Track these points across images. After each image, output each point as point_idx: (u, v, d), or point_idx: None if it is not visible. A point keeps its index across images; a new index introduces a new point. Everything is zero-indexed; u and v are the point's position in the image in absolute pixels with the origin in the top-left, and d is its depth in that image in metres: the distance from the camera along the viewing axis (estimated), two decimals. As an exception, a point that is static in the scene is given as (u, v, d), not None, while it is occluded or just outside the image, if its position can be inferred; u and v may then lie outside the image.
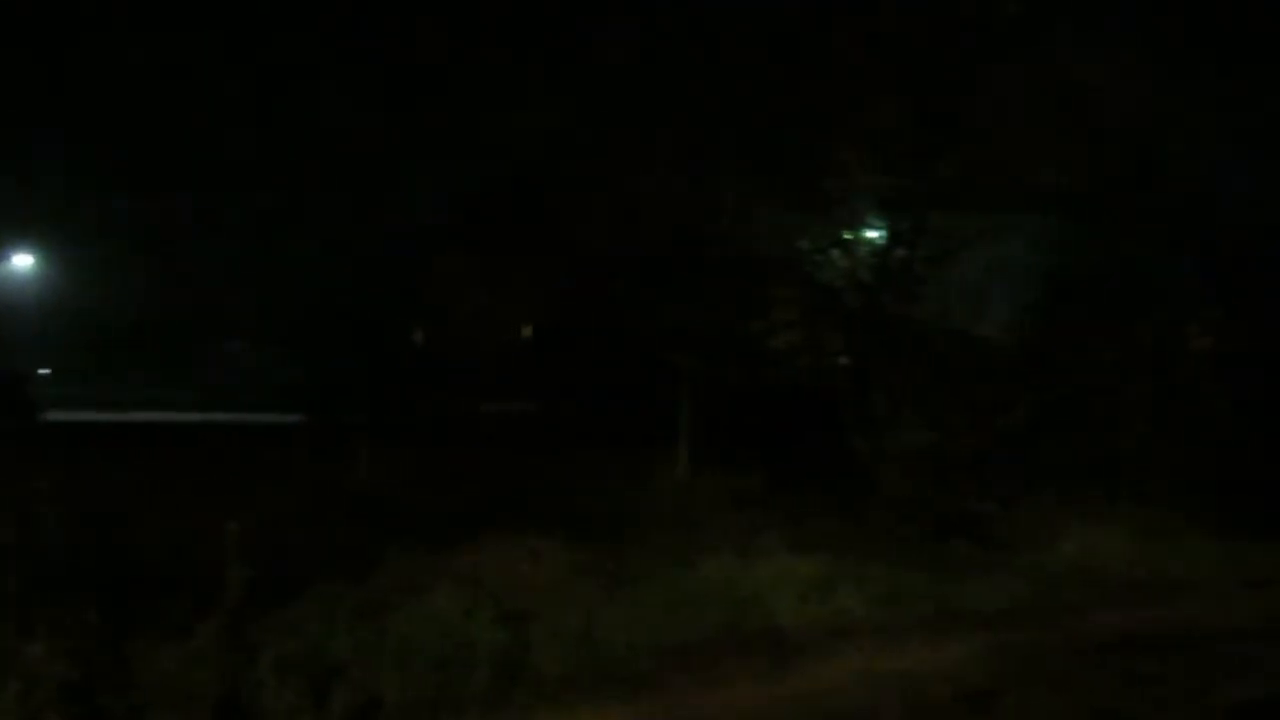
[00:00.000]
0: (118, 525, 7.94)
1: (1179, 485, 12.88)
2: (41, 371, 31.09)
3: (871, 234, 12.42)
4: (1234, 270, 13.32)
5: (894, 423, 11.84)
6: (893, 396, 11.89)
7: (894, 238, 12.13)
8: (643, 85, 11.33)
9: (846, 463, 12.51)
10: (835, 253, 12.41)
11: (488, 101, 13.72)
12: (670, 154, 11.41)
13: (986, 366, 13.26)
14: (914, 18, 10.69)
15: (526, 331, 23.30)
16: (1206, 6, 10.76)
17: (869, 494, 11.74)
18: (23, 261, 30.22)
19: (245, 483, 10.38)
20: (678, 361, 13.16)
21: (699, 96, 11.21)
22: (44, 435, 19.03)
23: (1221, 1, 10.62)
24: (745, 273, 11.53)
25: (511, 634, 6.25)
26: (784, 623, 7.68)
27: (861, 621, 8.13)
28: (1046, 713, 6.46)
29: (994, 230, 12.16)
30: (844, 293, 12.26)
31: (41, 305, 30.46)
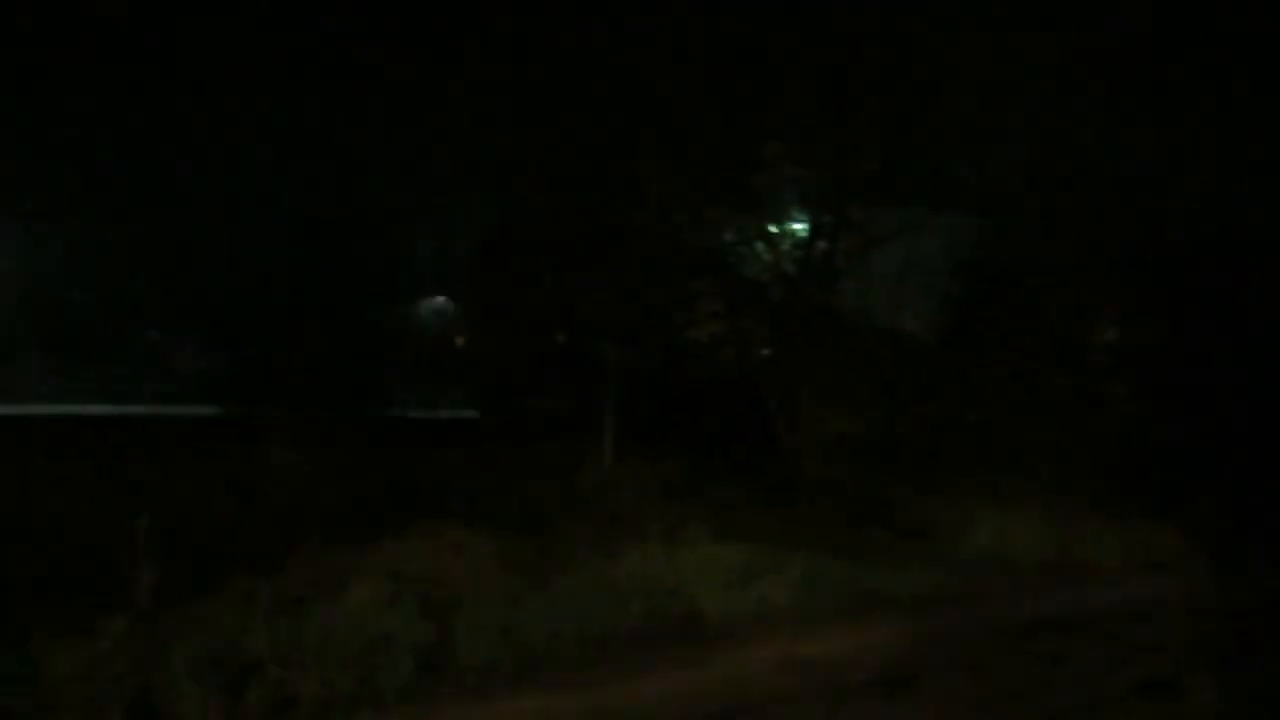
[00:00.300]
0: (19, 523, 7.66)
1: (1086, 472, 13.31)
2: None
3: (798, 227, 12.57)
4: (1137, 269, 13.82)
5: (816, 412, 12.02)
6: (815, 386, 12.07)
7: (816, 231, 12.30)
8: (565, 78, 11.27)
9: (771, 452, 12.67)
10: (759, 246, 12.53)
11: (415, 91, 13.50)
12: (594, 147, 11.38)
13: (905, 358, 13.56)
14: (835, 16, 10.83)
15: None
16: (1124, 13, 11.13)
17: (793, 483, 11.89)
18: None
19: (158, 477, 10.09)
20: (602, 353, 13.15)
21: (622, 89, 11.20)
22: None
23: (1137, 9, 10.98)
24: (670, 264, 11.57)
25: (433, 626, 6.19)
26: (707, 611, 7.73)
27: (784, 608, 8.24)
28: (960, 694, 6.63)
29: (912, 225, 12.42)
30: (768, 285, 12.39)
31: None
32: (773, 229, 12.58)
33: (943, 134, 11.31)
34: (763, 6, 10.66)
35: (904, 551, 10.42)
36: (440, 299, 48.83)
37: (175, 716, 5.08)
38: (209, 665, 5.33)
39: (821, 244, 12.31)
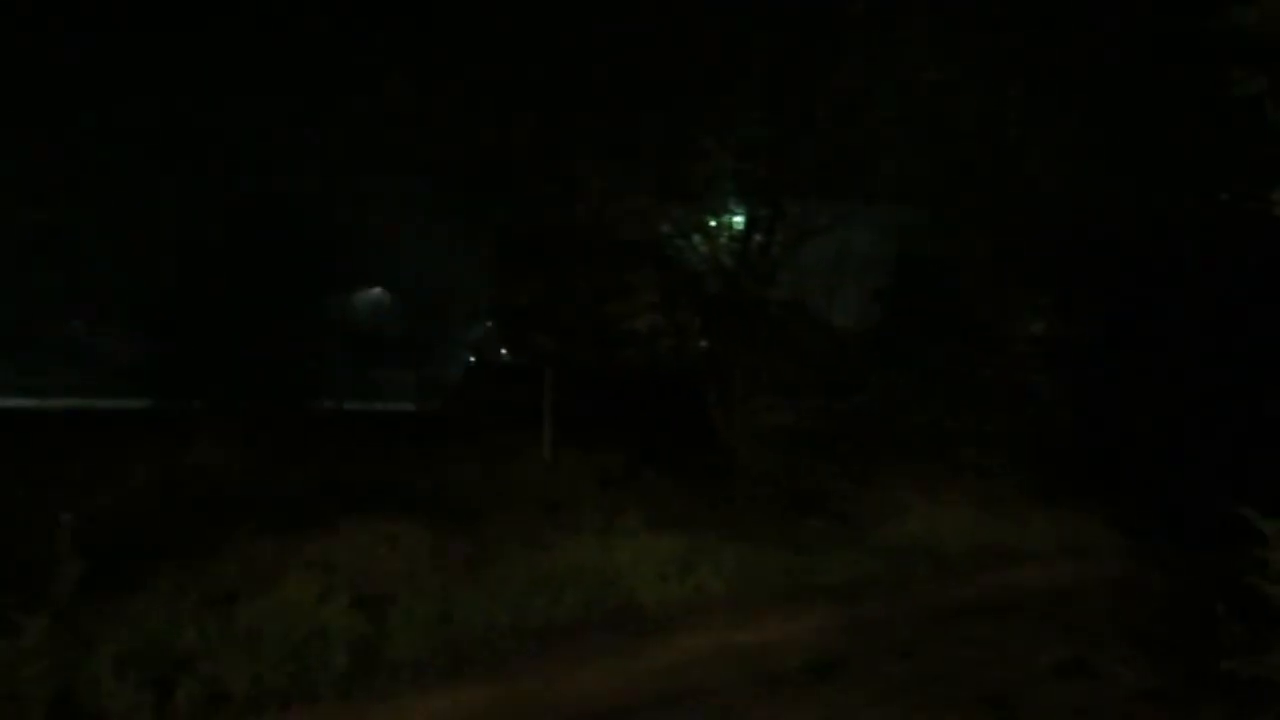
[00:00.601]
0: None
1: (1013, 461, 13.65)
2: None
3: (736, 220, 12.67)
4: (1062, 262, 14.17)
5: (751, 403, 12.14)
6: (750, 378, 12.19)
7: (752, 224, 12.41)
8: (502, 69, 11.20)
9: (708, 443, 12.76)
10: (696, 238, 12.60)
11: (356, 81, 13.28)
12: (531, 138, 11.33)
13: (839, 349, 13.77)
14: (770, 11, 10.92)
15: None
16: (1049, 16, 11.39)
17: (729, 473, 12.00)
18: None
19: (83, 471, 9.84)
20: (540, 344, 13.13)
21: (559, 80, 11.17)
22: None
23: (1062, 13, 11.25)
24: (608, 256, 11.59)
25: (367, 619, 6.14)
26: (643, 601, 7.79)
27: (719, 598, 8.33)
28: (890, 678, 6.79)
29: (846, 218, 12.61)
30: (705, 277, 12.48)
31: None
32: (711, 222, 12.66)
33: (876, 129, 11.48)
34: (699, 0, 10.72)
35: (837, 540, 10.59)
36: (376, 290, 48.24)
37: (101, 715, 4.98)
38: (136, 662, 5.23)
39: (758, 236, 12.42)
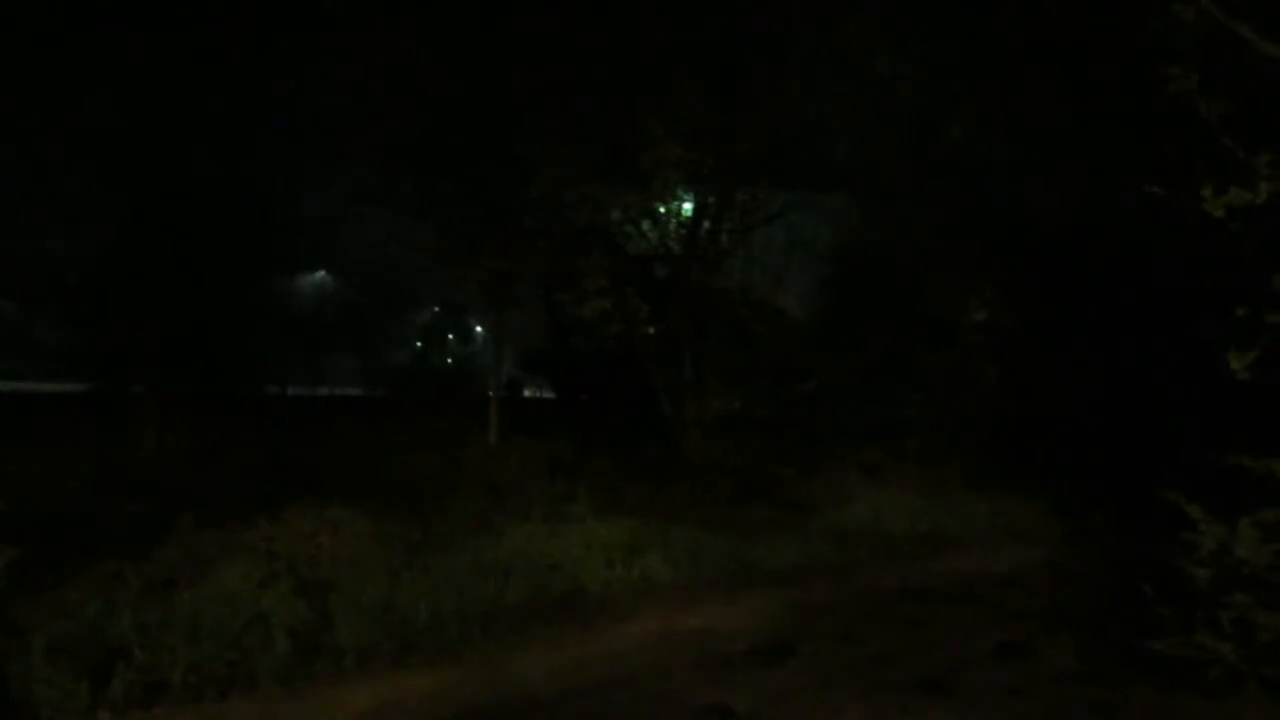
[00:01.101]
0: None
1: (957, 448, 13.88)
2: None
3: (686, 206, 12.70)
4: (1003, 253, 14.40)
5: (699, 390, 12.21)
6: (698, 364, 12.25)
7: (701, 211, 12.46)
8: (451, 52, 11.09)
9: (656, 429, 12.81)
10: (645, 224, 12.62)
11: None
12: (480, 123, 11.24)
13: (786, 336, 13.90)
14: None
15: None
16: (992, 12, 11.57)
17: (677, 459, 12.05)
18: None
19: (16, 456, 9.60)
20: (487, 330, 13.06)
21: (509, 66, 11.09)
22: None
23: (1010, 6, 11.43)
24: (556, 242, 11.55)
25: (310, 606, 6.08)
26: (590, 587, 7.80)
27: (666, 583, 8.37)
28: (834, 660, 6.87)
29: (794, 206, 12.71)
30: (653, 263, 12.50)
31: None
32: (660, 208, 12.68)
33: (822, 118, 11.58)
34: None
35: (783, 526, 10.69)
36: (320, 273, 47.49)
37: (35, 704, 4.87)
38: (71, 651, 5.12)
39: (706, 224, 12.47)
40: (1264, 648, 4.32)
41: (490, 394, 13.64)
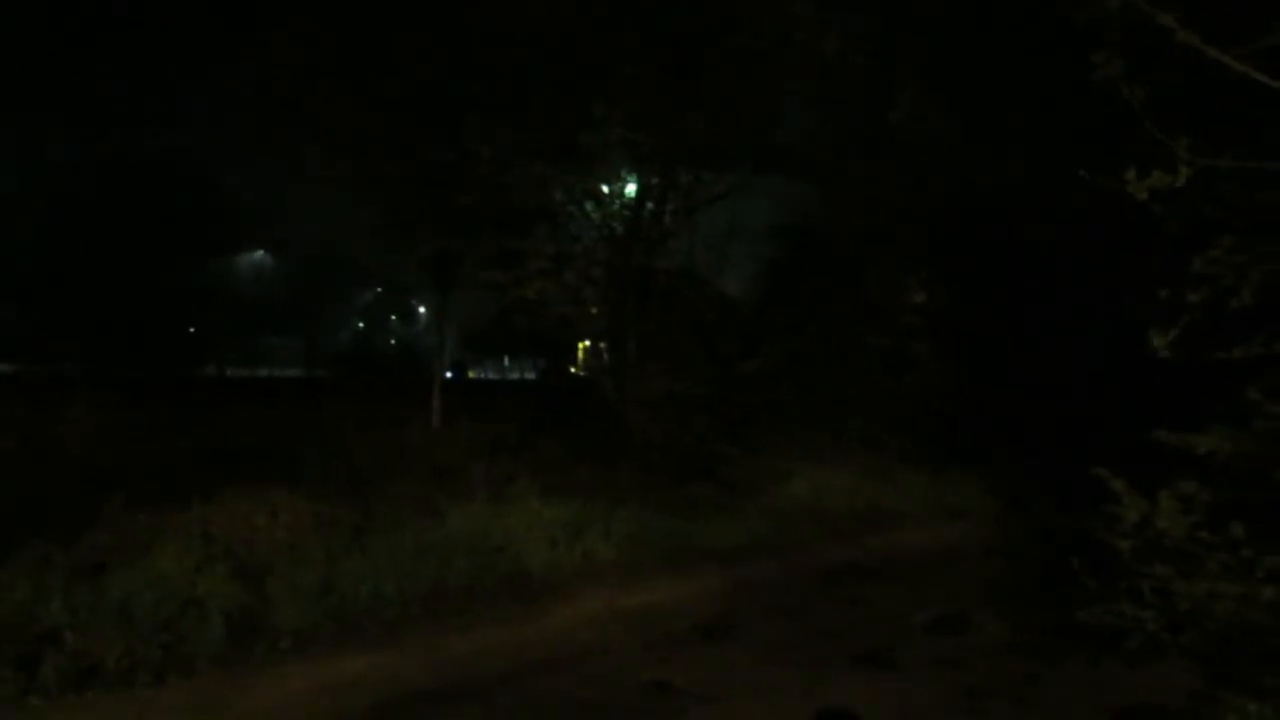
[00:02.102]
0: None
1: (896, 428, 14.10)
2: None
3: (630, 188, 12.69)
4: (941, 236, 14.62)
5: (642, 370, 12.24)
6: (642, 345, 12.27)
7: (644, 192, 12.45)
8: (391, 29, 10.92)
9: (600, 410, 12.81)
10: (589, 205, 12.58)
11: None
12: (420, 102, 11.10)
13: (729, 317, 13.98)
14: None
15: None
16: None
17: (621, 440, 12.07)
18: None
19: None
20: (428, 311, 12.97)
21: (451, 44, 10.96)
22: None
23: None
24: (498, 222, 11.45)
25: (247, 589, 6.00)
26: (533, 567, 7.80)
27: (609, 563, 8.40)
28: (775, 637, 6.99)
29: (737, 188, 12.75)
30: (597, 244, 12.47)
31: None
32: (604, 189, 12.65)
33: (766, 101, 11.63)
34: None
35: (726, 505, 10.79)
36: (260, 253, 46.71)
37: (-41, 693, 4.76)
38: (-1, 637, 5.01)
39: (650, 205, 12.48)
40: (1183, 616, 4.48)
41: (434, 375, 13.52)
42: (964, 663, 6.44)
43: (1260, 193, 4.23)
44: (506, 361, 56.78)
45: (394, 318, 61.50)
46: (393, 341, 58.32)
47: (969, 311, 14.74)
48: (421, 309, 56.18)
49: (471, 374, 54.68)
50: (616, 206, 12.61)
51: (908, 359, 14.81)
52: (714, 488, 11.44)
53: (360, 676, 5.59)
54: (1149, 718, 5.31)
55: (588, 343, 13.14)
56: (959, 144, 12.67)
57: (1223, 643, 4.42)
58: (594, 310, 12.34)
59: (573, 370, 17.40)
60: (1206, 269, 4.32)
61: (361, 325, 60.25)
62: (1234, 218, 4.36)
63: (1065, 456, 8.34)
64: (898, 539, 10.87)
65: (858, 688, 5.90)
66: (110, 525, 6.55)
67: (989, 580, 8.93)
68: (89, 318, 16.73)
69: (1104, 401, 11.52)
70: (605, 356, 12.53)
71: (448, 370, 34.83)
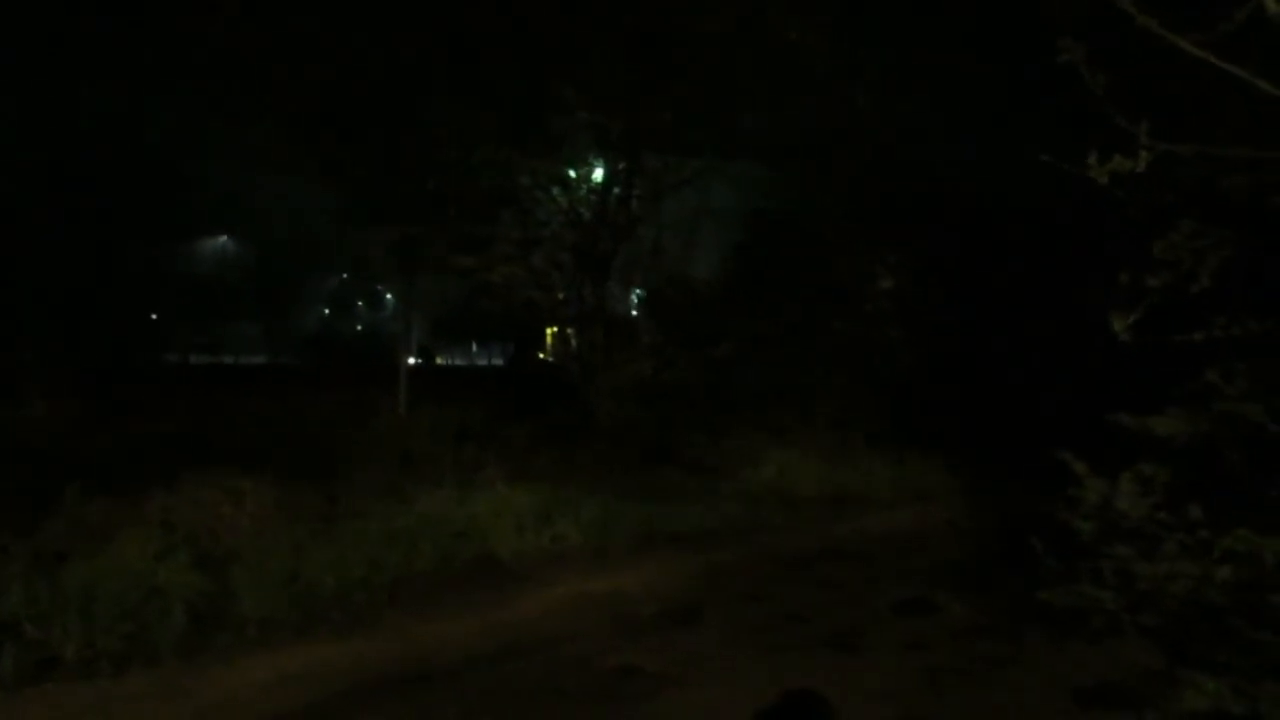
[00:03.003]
0: None
1: (863, 412, 14.19)
2: None
3: (596, 173, 12.65)
4: (908, 220, 14.69)
5: (610, 355, 12.23)
6: (609, 330, 12.27)
7: (611, 177, 12.43)
8: (356, 13, 10.77)
9: (568, 395, 12.80)
10: (556, 190, 12.53)
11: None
12: (386, 85, 10.97)
13: (696, 302, 13.99)
14: None
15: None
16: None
17: (588, 425, 12.07)
18: None
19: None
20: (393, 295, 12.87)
21: (418, 27, 10.83)
22: None
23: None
24: (465, 206, 11.38)
25: (210, 578, 5.94)
26: (501, 553, 7.80)
27: (576, 548, 8.41)
28: (741, 621, 7.01)
29: (704, 173, 12.75)
30: (564, 229, 12.43)
31: None
32: (571, 174, 12.60)
33: (733, 86, 11.62)
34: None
35: (693, 490, 10.82)
36: (223, 238, 45.97)
37: (-85, 686, 4.68)
38: (-47, 630, 4.93)
39: (617, 190, 12.45)
40: (1142, 596, 4.54)
41: (400, 361, 13.43)
42: (929, 644, 6.50)
43: (1219, 178, 4.27)
44: (475, 348, 56.60)
45: (360, 303, 60.94)
46: (359, 327, 57.83)
47: (936, 297, 14.83)
48: (388, 295, 55.73)
49: (439, 360, 54.40)
50: (583, 191, 12.58)
51: (876, 344, 14.90)
52: (682, 472, 11.47)
53: (327, 664, 5.55)
54: (1110, 696, 5.40)
55: (556, 329, 13.09)
56: (925, 130, 12.72)
57: (1180, 622, 4.49)
58: (561, 295, 12.32)
59: (541, 356, 17.35)
60: (1166, 254, 4.36)
61: (327, 311, 59.66)
62: (1194, 203, 4.40)
63: (1029, 440, 8.42)
64: (865, 522, 10.95)
65: (825, 670, 5.93)
66: (69, 514, 6.45)
67: (954, 563, 8.99)
68: (43, 303, 16.44)
69: (1067, 386, 11.64)
70: (573, 342, 12.50)
71: (415, 356, 34.62)
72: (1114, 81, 3.79)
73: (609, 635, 6.57)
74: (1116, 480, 4.64)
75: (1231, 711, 4.08)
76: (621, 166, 12.32)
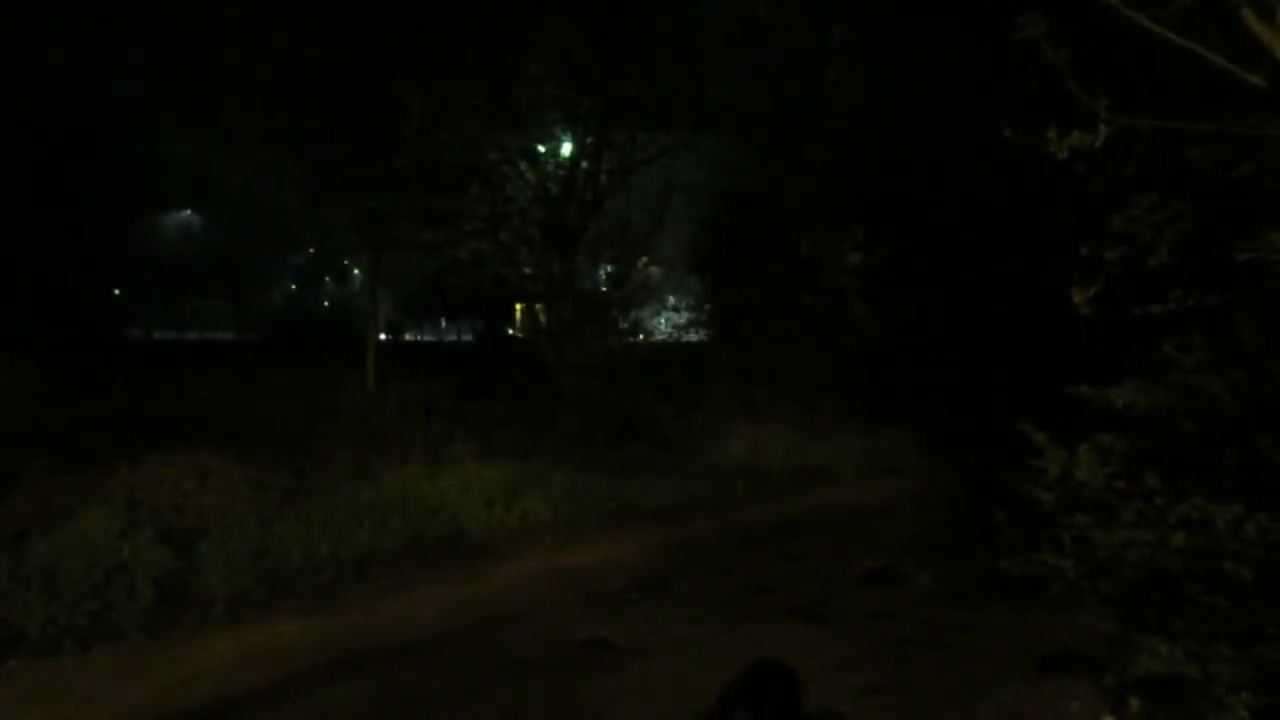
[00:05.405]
0: None
1: (832, 387, 14.29)
2: None
3: (565, 148, 12.59)
4: (874, 195, 14.72)
5: (579, 331, 12.22)
6: (577, 305, 12.24)
7: (579, 152, 12.37)
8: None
9: (538, 371, 12.78)
10: (523, 165, 12.45)
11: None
12: (351, 58, 10.81)
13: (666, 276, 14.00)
14: None
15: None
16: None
17: (558, 401, 12.07)
18: None
19: None
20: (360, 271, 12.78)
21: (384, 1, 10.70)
22: None
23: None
24: (431, 181, 11.29)
25: (176, 555, 5.90)
26: (470, 529, 7.80)
27: (546, 523, 8.44)
28: (711, 593, 7.08)
29: (672, 148, 12.72)
30: (532, 204, 12.37)
31: None
32: (539, 149, 12.53)
33: (701, 59, 11.58)
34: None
35: (662, 465, 10.87)
36: (187, 213, 45.35)
37: (-126, 667, 4.63)
38: (-86, 610, 4.88)
39: (585, 165, 12.40)
40: (1100, 564, 4.62)
41: (369, 338, 13.35)
42: (895, 614, 6.59)
43: (1177, 152, 4.32)
44: (444, 323, 56.30)
45: (327, 279, 60.38)
46: (326, 304, 57.34)
47: (902, 271, 14.90)
48: (356, 270, 55.24)
49: (408, 336, 54.06)
50: (551, 166, 12.51)
51: (843, 319, 14.97)
52: (651, 447, 11.51)
53: (293, 640, 5.54)
54: (1070, 662, 5.50)
55: (524, 304, 13.05)
56: (890, 105, 12.75)
57: (1137, 588, 4.57)
58: (529, 271, 12.28)
59: (510, 332, 17.30)
60: (1126, 227, 4.42)
61: (294, 287, 59.08)
62: (1153, 177, 4.45)
63: (993, 411, 8.53)
64: (832, 495, 11.05)
65: (792, 640, 6.00)
66: (31, 491, 6.37)
67: (919, 534, 9.10)
68: (2, 279, 16.16)
69: (1029, 358, 11.76)
70: (542, 318, 12.47)
71: (383, 332, 34.37)
72: (1075, 57, 3.81)
73: (578, 608, 6.60)
74: (1076, 451, 4.70)
75: (1185, 673, 4.17)
76: (590, 141, 12.26)
